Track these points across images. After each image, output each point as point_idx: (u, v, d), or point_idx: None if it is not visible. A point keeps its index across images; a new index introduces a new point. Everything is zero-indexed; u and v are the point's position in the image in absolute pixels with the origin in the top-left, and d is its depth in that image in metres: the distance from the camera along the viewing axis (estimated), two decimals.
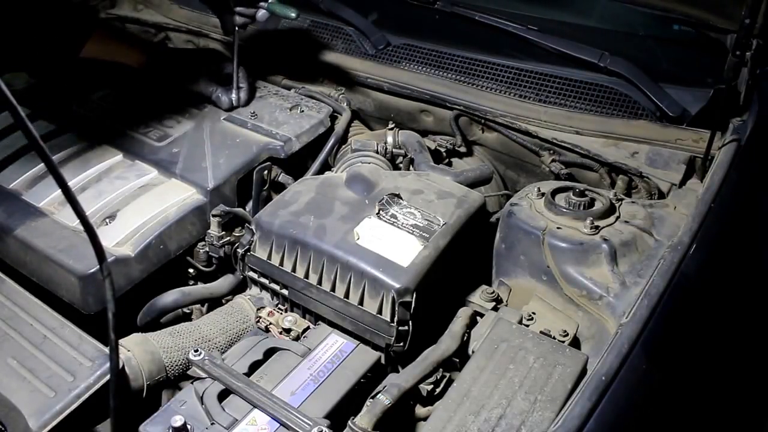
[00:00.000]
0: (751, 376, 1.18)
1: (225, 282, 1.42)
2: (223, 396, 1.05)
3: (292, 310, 1.30)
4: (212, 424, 1.00)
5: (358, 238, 1.23)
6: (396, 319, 1.17)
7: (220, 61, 1.70)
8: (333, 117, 1.68)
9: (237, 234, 1.41)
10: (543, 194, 1.30)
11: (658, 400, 1.00)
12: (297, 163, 1.58)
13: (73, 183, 1.43)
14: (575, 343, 1.15)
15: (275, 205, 1.34)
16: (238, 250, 1.33)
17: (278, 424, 1.00)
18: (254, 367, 1.12)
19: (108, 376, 1.00)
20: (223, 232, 1.39)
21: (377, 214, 1.28)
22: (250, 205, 1.51)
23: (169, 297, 1.34)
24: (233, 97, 1.63)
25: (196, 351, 1.08)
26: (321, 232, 1.24)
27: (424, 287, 1.18)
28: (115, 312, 0.79)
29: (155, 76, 1.68)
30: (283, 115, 1.62)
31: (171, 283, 1.38)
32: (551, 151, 1.57)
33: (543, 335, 1.11)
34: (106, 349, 1.05)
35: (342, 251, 1.21)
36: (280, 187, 1.52)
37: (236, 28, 1.59)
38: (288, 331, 1.24)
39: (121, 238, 1.32)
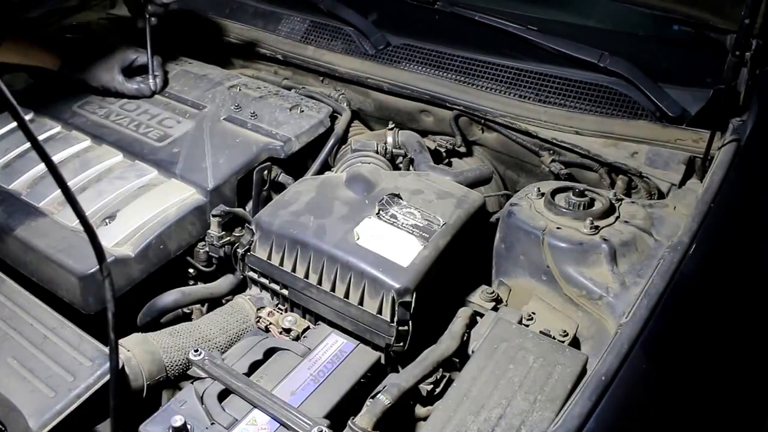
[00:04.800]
0: (751, 375, 1.18)
1: (225, 282, 1.42)
2: (223, 396, 1.05)
3: (292, 310, 1.31)
4: (212, 424, 1.00)
5: (358, 238, 1.23)
6: (396, 319, 1.17)
7: (132, 51, 1.72)
8: (333, 117, 1.68)
9: (237, 234, 1.41)
10: (543, 194, 1.30)
11: (657, 400, 1.01)
12: (297, 163, 1.58)
13: (73, 183, 1.43)
14: (575, 343, 1.15)
15: (275, 205, 1.34)
16: (238, 250, 1.33)
17: (278, 424, 1.00)
18: (254, 367, 1.12)
19: (108, 376, 1.00)
20: (223, 232, 1.39)
21: (377, 214, 1.28)
22: (250, 205, 1.51)
23: (169, 297, 1.34)
24: (150, 83, 1.69)
25: (196, 351, 1.08)
26: (321, 232, 1.24)
27: (424, 287, 1.18)
28: (115, 312, 0.79)
29: (70, 77, 1.70)
30: (283, 115, 1.62)
31: (171, 283, 1.38)
32: (551, 151, 1.57)
33: (543, 335, 1.11)
34: (106, 349, 1.05)
35: (342, 251, 1.21)
36: (280, 187, 1.52)
37: (148, 17, 1.67)
38: (288, 331, 1.24)
39: (121, 238, 1.33)
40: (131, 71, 1.71)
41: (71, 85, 1.70)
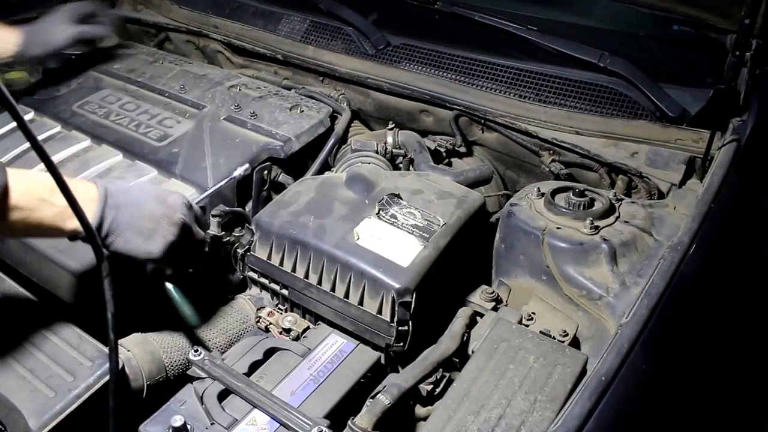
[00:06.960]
0: (751, 375, 1.18)
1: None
2: (223, 396, 1.05)
3: (292, 310, 1.31)
4: (212, 424, 1.00)
5: (358, 238, 1.23)
6: (396, 319, 1.17)
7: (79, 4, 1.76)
8: (333, 117, 1.68)
9: (237, 234, 1.41)
10: (543, 194, 1.30)
11: (657, 400, 1.01)
12: (297, 163, 1.58)
13: None
14: (575, 343, 1.15)
15: (275, 205, 1.34)
16: (238, 250, 1.33)
17: (278, 424, 1.00)
18: (254, 367, 1.12)
19: (108, 376, 1.00)
20: (223, 232, 1.38)
21: (377, 214, 1.28)
22: (250, 205, 1.51)
23: None
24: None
25: (196, 351, 1.08)
26: (321, 232, 1.24)
27: (424, 287, 1.18)
28: (114, 312, 0.80)
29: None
30: (283, 115, 1.62)
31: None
32: (551, 151, 1.57)
33: (543, 335, 1.11)
34: (106, 349, 1.05)
35: (342, 251, 1.21)
36: (280, 187, 1.52)
37: None
38: (288, 331, 1.24)
39: None
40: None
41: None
